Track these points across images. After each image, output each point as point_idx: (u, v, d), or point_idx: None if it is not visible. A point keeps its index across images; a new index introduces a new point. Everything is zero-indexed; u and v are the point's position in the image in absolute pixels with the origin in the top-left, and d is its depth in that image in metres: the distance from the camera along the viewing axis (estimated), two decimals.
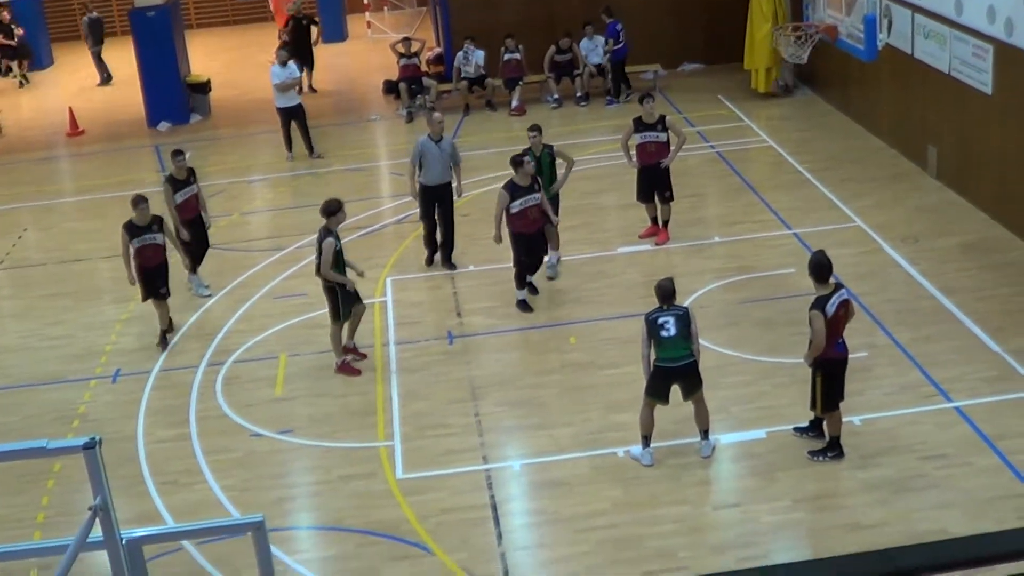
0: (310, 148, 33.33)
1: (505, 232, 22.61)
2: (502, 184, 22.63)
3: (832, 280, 17.00)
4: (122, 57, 43.12)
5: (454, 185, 24.92)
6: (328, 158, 32.81)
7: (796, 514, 16.39)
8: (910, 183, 27.37)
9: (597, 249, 24.68)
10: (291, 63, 33.27)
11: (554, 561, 15.96)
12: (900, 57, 28.01)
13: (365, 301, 22.10)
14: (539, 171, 23.09)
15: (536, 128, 23.71)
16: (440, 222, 24.76)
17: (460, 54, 36.11)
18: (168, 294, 22.53)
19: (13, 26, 44.74)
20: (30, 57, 45.68)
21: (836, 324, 16.72)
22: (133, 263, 22.18)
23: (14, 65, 45.10)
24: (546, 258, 23.73)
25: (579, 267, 24.32)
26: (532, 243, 22.65)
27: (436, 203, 24.58)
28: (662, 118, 24.55)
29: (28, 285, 26.27)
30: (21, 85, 44.51)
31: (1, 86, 45.49)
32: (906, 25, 27.62)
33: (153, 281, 22.32)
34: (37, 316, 24.54)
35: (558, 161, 24.10)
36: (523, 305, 22.72)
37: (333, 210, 20.89)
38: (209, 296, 24.55)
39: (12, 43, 44.93)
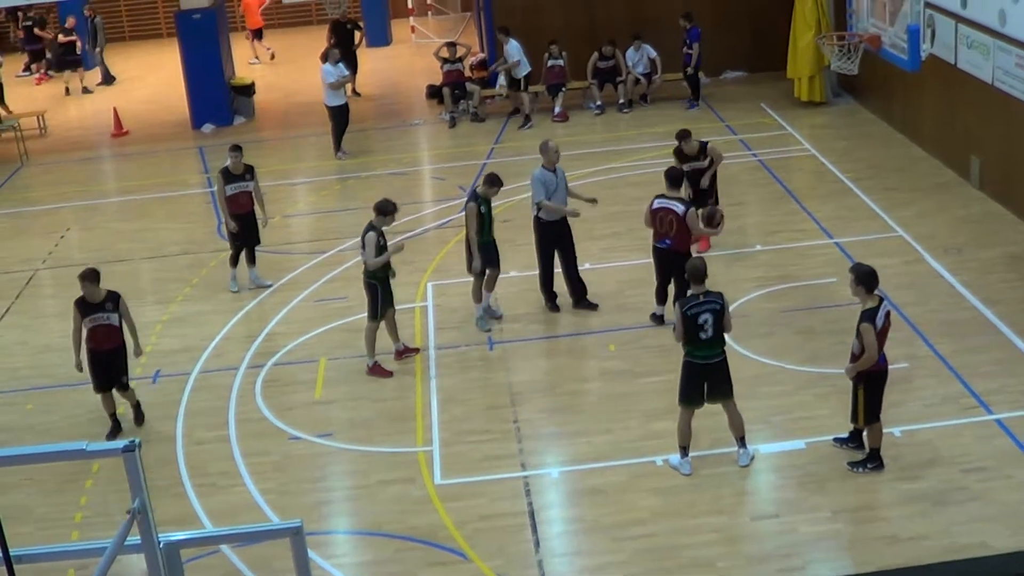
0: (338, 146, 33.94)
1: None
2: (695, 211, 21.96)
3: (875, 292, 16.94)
4: (168, 58, 43.30)
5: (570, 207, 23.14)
6: (371, 162, 32.84)
7: (835, 525, 16.30)
8: (953, 193, 27.24)
9: (639, 256, 24.53)
10: (341, 63, 33.48)
11: (591, 569, 15.89)
12: (943, 67, 27.87)
13: (407, 306, 22.26)
14: (489, 219, 22.46)
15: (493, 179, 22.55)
16: (563, 262, 23.02)
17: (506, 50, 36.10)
18: (127, 385, 20.12)
19: (75, 37, 44.62)
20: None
21: (882, 336, 16.66)
22: (84, 346, 19.87)
23: (77, 77, 44.50)
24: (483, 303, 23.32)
25: (620, 274, 24.25)
26: None
27: (556, 240, 22.80)
28: (703, 147, 24.47)
29: (70, 285, 26.08)
30: (84, 92, 44.12)
31: (48, 88, 45.66)
32: (950, 35, 27.49)
33: (107, 369, 19.87)
34: None
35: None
36: None
37: (387, 211, 21.14)
38: (236, 292, 24.81)
39: (76, 54, 44.63)
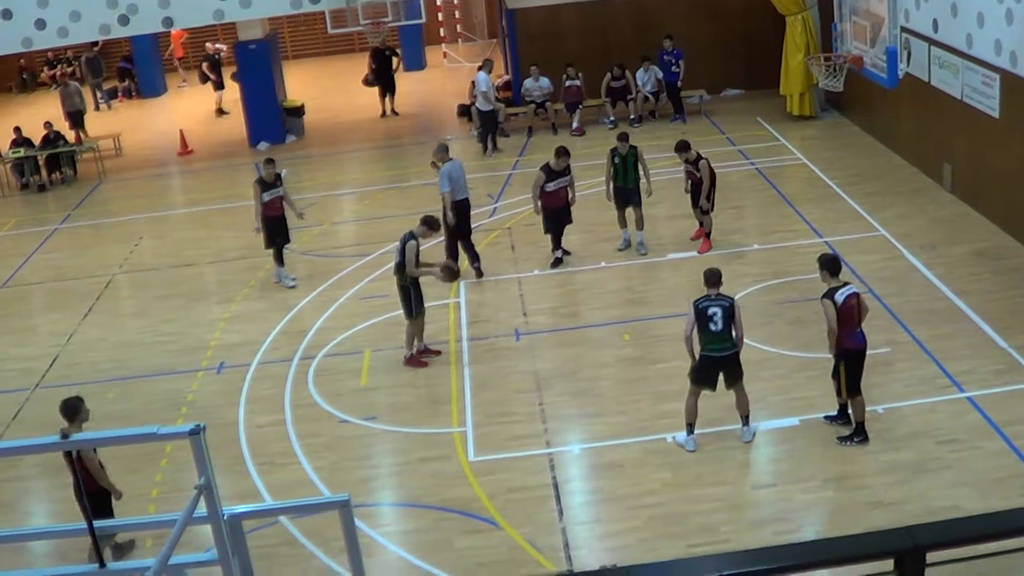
0: (495, 146, 34.63)
1: None
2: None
3: (841, 279, 17.21)
4: (227, 84, 43.34)
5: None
6: (407, 174, 32.87)
7: (826, 493, 16.35)
8: (928, 196, 27.21)
9: (649, 255, 24.70)
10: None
11: (609, 535, 15.95)
12: (918, 84, 27.85)
13: (442, 302, 22.39)
14: (625, 169, 25.01)
15: (623, 136, 25.21)
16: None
17: (529, 80, 36.21)
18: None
19: (218, 56, 44.63)
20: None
21: (849, 313, 16.84)
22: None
23: (219, 96, 43.92)
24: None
25: (632, 271, 24.34)
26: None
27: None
28: (698, 157, 24.63)
29: (144, 287, 26.45)
30: (221, 113, 43.40)
31: (115, 111, 45.84)
32: (924, 56, 27.48)
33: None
34: (152, 315, 24.73)
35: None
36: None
37: (435, 226, 21.51)
38: (295, 287, 25.04)
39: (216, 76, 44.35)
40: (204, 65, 43.97)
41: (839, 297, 16.87)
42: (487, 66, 34.74)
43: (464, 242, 24.78)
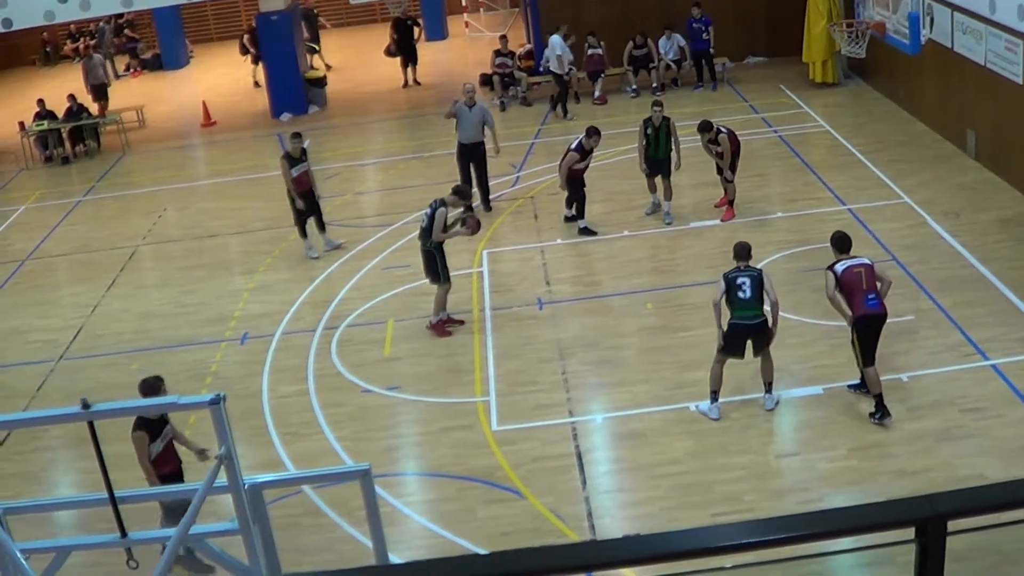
0: (565, 112, 34.39)
1: None
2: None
3: (852, 255, 17.32)
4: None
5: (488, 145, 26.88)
6: (431, 143, 32.81)
7: (849, 462, 16.27)
8: (951, 163, 27.08)
9: (673, 223, 24.64)
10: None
11: (632, 504, 15.93)
12: (941, 50, 27.71)
13: (465, 271, 22.36)
14: (657, 139, 24.75)
15: (659, 103, 25.27)
16: (476, 174, 26.76)
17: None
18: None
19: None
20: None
21: (855, 280, 16.87)
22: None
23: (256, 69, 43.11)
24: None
25: (655, 239, 24.30)
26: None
27: (471, 157, 26.73)
28: (716, 133, 24.52)
29: (167, 258, 26.48)
30: (257, 86, 42.53)
31: (138, 83, 45.89)
32: (946, 22, 27.34)
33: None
34: (175, 286, 24.76)
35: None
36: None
37: (466, 196, 21.87)
38: (318, 258, 25.06)
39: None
40: (245, 37, 43.81)
41: (839, 267, 17.01)
42: (561, 29, 34.71)
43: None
